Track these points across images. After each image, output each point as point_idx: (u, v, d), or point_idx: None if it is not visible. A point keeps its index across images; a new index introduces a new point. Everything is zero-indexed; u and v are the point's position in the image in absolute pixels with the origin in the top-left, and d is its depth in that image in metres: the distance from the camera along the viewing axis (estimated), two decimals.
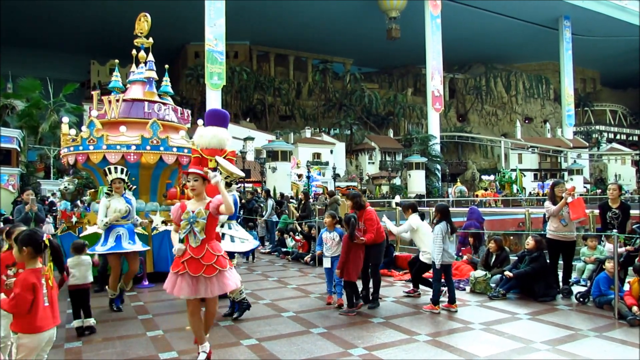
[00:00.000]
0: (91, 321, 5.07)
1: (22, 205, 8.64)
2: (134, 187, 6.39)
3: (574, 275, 7.36)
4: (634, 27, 59.77)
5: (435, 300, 5.93)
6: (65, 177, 9.06)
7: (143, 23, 8.53)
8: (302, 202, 14.21)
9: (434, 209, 6.61)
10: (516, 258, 7.12)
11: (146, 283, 7.65)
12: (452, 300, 5.96)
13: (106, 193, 6.11)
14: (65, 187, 9.03)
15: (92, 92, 8.65)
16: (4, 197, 17.92)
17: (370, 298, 6.26)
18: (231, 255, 5.41)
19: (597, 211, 7.33)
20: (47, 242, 3.05)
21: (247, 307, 5.66)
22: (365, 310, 6.02)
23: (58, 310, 3.17)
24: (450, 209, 6.48)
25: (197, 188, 4.02)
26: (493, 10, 55.34)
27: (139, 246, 6.18)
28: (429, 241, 6.27)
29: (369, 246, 6.20)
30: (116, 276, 5.99)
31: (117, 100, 7.94)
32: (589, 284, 6.55)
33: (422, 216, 6.83)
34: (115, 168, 6.11)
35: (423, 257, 6.56)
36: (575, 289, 6.75)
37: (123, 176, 6.03)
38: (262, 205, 14.11)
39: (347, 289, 6.00)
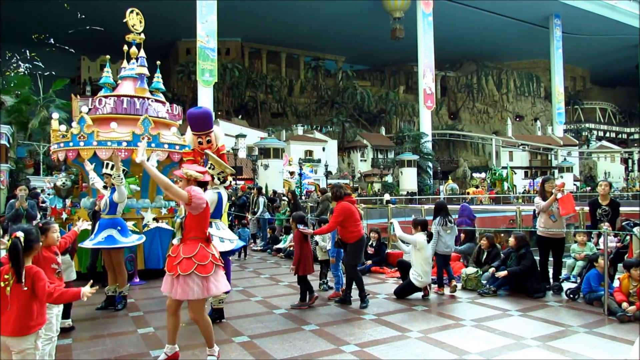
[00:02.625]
0: (67, 322, 4.96)
1: (15, 200, 8.56)
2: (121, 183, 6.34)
3: (564, 272, 7.43)
4: (624, 25, 60.30)
5: (439, 283, 6.85)
6: (62, 173, 8.84)
7: (136, 19, 8.46)
8: (291, 201, 14.16)
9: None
10: (503, 256, 7.18)
11: (137, 280, 7.61)
12: (440, 284, 6.85)
13: (104, 186, 6.21)
14: (64, 183, 8.79)
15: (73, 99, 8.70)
16: None
17: (359, 297, 6.19)
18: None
19: (587, 208, 7.40)
20: (11, 240, 2.84)
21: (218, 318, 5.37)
22: (357, 308, 6.03)
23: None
24: None
25: (182, 188, 3.96)
26: (484, 9, 55.52)
27: (133, 239, 6.14)
28: (427, 268, 6.44)
29: (344, 245, 6.23)
30: (112, 272, 5.97)
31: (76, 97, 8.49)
32: (579, 281, 6.61)
33: (430, 236, 6.68)
34: (107, 164, 6.11)
35: (412, 278, 6.53)
36: (565, 285, 6.80)
37: (108, 171, 6.01)
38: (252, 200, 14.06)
39: (301, 283, 6.12)
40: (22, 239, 2.84)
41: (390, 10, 52.52)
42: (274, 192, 20.41)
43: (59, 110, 23.88)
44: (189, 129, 6.04)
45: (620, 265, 6.45)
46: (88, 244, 5.87)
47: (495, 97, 70.80)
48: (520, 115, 70.97)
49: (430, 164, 48.73)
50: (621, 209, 6.94)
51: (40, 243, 3.00)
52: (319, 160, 44.84)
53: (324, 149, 47.12)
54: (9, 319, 2.83)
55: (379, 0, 52.04)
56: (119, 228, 5.94)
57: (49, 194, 9.95)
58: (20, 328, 2.84)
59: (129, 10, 8.43)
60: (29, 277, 2.89)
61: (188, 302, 3.87)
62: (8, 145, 20.37)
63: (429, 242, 6.62)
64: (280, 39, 60.74)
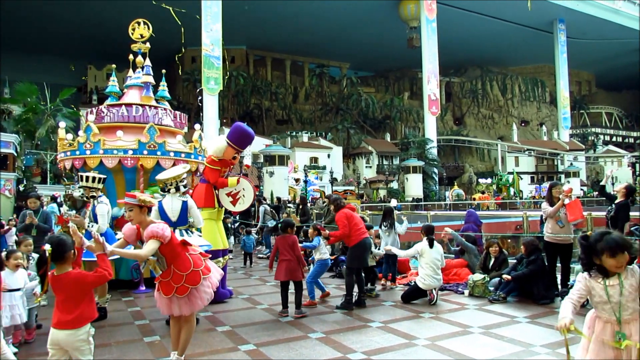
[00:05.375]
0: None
1: (27, 210, 8.68)
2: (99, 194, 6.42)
3: (572, 278, 7.35)
4: (628, 29, 60.16)
5: (393, 278, 7.87)
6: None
7: (143, 29, 8.53)
8: (300, 206, 14.21)
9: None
10: (515, 261, 7.13)
11: (143, 288, 7.61)
12: (393, 279, 7.83)
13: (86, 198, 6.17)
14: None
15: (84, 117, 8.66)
16: (1, 202, 17.85)
17: (344, 298, 6.34)
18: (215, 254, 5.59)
19: (594, 213, 7.35)
20: (48, 252, 3.05)
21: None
22: (362, 315, 5.99)
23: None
24: (448, 212, 6.62)
25: (134, 218, 3.84)
26: (488, 14, 55.58)
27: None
28: (430, 270, 6.49)
29: (346, 249, 6.57)
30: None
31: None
32: None
33: (432, 242, 6.73)
34: (87, 177, 6.07)
35: (419, 282, 6.57)
36: None
37: (88, 184, 6.01)
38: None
39: (298, 289, 6.07)
40: (48, 252, 3.02)
41: (407, 19, 52.62)
42: (278, 199, 20.41)
43: (66, 119, 24.08)
44: (219, 138, 6.40)
45: None
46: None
47: (500, 103, 70.70)
48: (525, 121, 70.78)
49: (436, 170, 48.64)
50: (637, 213, 6.86)
51: (73, 251, 3.16)
52: (324, 167, 44.86)
53: (329, 156, 47.15)
54: (61, 316, 3.08)
55: (383, 7, 52.26)
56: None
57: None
58: (72, 321, 3.06)
59: (134, 22, 8.52)
60: (72, 282, 3.09)
61: (185, 317, 3.95)
62: (16, 154, 20.53)
63: (431, 246, 6.63)
64: (285, 46, 61.04)
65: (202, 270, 3.89)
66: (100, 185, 6.16)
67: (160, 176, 5.85)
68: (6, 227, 8.20)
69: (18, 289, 4.54)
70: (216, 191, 6.79)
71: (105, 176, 6.38)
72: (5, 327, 4.30)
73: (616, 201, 6.65)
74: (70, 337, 3.04)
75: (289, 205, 21.09)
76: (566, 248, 6.72)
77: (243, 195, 6.74)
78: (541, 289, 6.45)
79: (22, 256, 4.78)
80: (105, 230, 6.03)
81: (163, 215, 5.66)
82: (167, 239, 3.71)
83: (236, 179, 6.82)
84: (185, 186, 5.98)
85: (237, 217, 14.16)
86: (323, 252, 6.80)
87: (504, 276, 6.65)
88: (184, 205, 5.76)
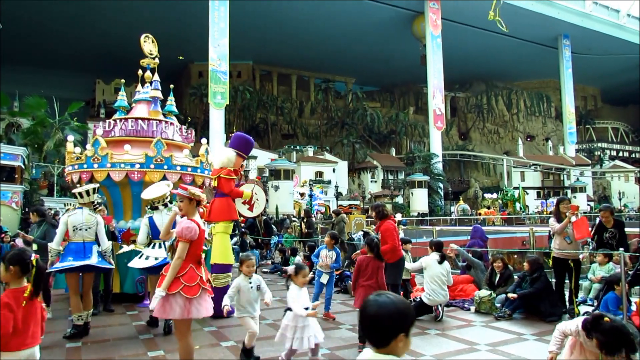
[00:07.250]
0: None
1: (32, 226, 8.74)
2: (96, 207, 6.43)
3: (581, 295, 7.28)
4: (633, 45, 60.27)
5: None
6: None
7: (151, 44, 8.65)
8: (305, 219, 14.24)
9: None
10: (517, 278, 7.08)
11: (147, 302, 7.58)
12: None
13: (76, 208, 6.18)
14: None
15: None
16: (8, 215, 17.92)
17: None
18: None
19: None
20: (34, 262, 3.03)
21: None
22: (345, 327, 5.94)
23: (39, 330, 3.09)
24: (454, 227, 6.59)
25: (183, 208, 4.08)
26: (493, 30, 55.90)
27: (92, 261, 6.00)
28: (434, 285, 6.43)
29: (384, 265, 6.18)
30: (75, 296, 5.66)
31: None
32: (595, 304, 6.47)
33: (443, 258, 6.67)
34: (87, 192, 6.02)
35: (425, 297, 6.53)
36: (582, 308, 6.66)
37: (85, 200, 6.00)
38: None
39: None
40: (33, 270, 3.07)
41: (420, 37, 52.86)
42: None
43: (74, 132, 24.29)
44: (224, 150, 6.59)
45: (637, 288, 6.32)
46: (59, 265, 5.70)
47: (505, 117, 70.75)
48: (531, 135, 70.70)
49: (441, 185, 48.51)
50: (635, 229, 6.82)
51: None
52: (329, 182, 44.90)
53: (334, 170, 47.20)
54: (37, 330, 3.11)
55: (388, 23, 52.71)
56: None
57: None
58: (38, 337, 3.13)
59: (144, 36, 8.64)
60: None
61: (174, 321, 4.00)
62: (23, 167, 20.68)
63: (440, 262, 6.58)
64: (291, 61, 61.59)
65: (183, 288, 3.79)
66: (90, 198, 6.05)
67: (146, 196, 5.93)
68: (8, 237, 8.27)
69: (306, 308, 4.19)
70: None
71: (97, 186, 6.40)
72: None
73: (610, 225, 6.61)
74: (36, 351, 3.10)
75: (293, 218, 21.06)
76: (575, 264, 6.66)
77: (257, 200, 6.87)
78: (547, 306, 6.38)
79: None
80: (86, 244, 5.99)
81: (154, 229, 5.97)
82: (193, 239, 3.85)
83: (251, 189, 6.94)
84: (170, 202, 6.17)
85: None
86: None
87: (510, 295, 6.59)
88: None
